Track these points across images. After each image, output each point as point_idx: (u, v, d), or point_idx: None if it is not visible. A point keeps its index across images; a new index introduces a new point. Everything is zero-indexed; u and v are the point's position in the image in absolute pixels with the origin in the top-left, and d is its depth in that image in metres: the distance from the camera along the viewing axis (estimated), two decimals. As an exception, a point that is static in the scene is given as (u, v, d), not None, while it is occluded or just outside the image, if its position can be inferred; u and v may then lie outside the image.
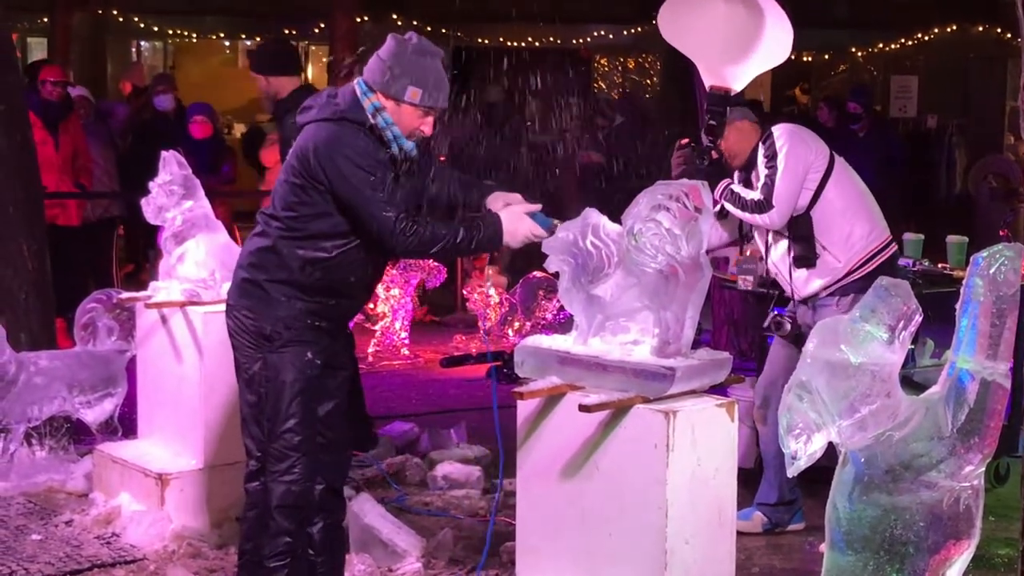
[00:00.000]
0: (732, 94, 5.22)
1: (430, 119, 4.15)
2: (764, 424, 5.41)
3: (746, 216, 5.24)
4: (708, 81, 5.24)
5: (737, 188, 5.24)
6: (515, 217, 4.15)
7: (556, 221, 4.14)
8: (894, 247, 5.31)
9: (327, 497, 4.32)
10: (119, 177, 9.78)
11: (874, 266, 5.17)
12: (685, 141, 5.33)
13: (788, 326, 5.26)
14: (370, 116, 4.08)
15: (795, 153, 5.15)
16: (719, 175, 5.28)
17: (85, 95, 10.04)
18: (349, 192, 4.03)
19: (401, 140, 4.11)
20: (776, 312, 5.33)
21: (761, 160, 5.21)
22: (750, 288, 5.81)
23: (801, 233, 5.19)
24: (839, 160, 5.29)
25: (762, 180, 5.18)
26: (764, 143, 5.22)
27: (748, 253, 5.57)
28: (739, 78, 5.23)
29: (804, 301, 5.28)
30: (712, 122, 5.17)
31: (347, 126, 4.09)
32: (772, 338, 5.50)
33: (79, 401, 5.98)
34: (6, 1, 6.77)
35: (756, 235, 5.43)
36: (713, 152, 5.23)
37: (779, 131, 5.23)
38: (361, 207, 4.03)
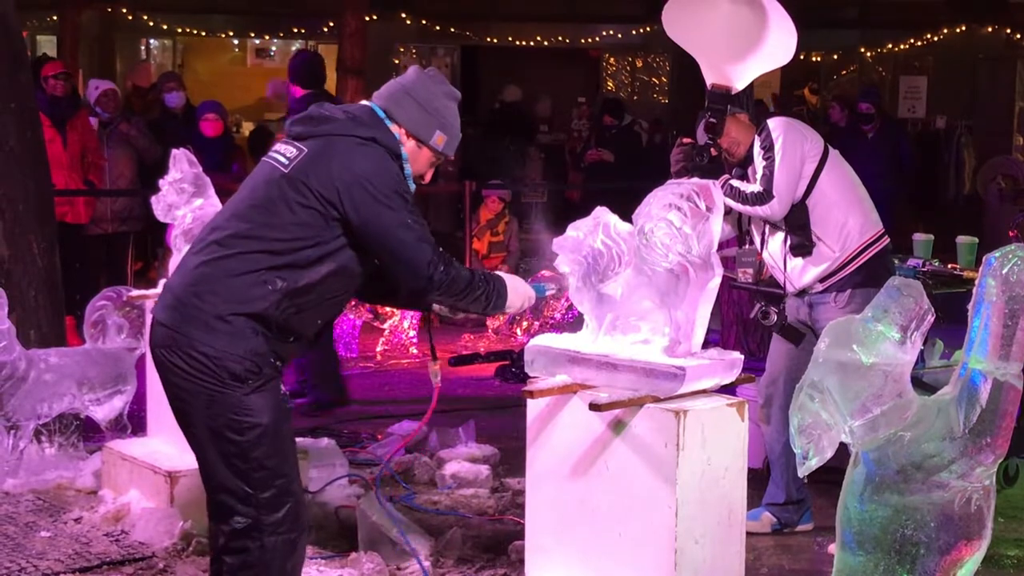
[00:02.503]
0: (733, 92, 5.23)
1: (433, 168, 3.93)
2: (767, 423, 5.42)
3: (747, 209, 5.24)
4: (710, 79, 5.25)
5: (736, 183, 5.25)
6: (515, 280, 3.96)
7: (551, 287, 4.11)
8: (887, 239, 5.31)
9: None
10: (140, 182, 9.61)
11: (868, 257, 5.19)
12: (686, 140, 5.34)
13: (774, 316, 5.26)
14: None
15: (791, 143, 5.17)
16: (718, 173, 5.29)
17: (113, 89, 9.87)
18: (381, 222, 3.62)
19: (410, 181, 3.82)
20: (763, 303, 5.33)
21: (758, 152, 5.22)
22: (750, 280, 5.81)
23: (797, 222, 5.21)
24: (833, 151, 5.31)
25: (760, 172, 5.19)
26: (760, 136, 5.24)
27: (747, 246, 5.57)
28: (741, 77, 5.25)
29: (799, 294, 5.30)
30: (712, 120, 5.18)
31: (379, 150, 3.72)
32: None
33: (89, 398, 5.99)
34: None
35: (751, 226, 5.44)
36: (713, 149, 5.23)
37: (774, 123, 5.26)
38: (392, 240, 3.64)
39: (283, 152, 3.77)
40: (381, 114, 3.81)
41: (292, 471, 3.74)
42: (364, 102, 3.90)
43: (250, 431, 3.63)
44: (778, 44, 5.19)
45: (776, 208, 5.14)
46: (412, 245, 3.67)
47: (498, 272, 3.97)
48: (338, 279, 3.72)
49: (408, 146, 3.81)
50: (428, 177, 3.94)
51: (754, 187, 5.19)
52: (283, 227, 3.64)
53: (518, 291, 3.93)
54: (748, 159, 5.31)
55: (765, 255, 5.39)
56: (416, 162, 3.84)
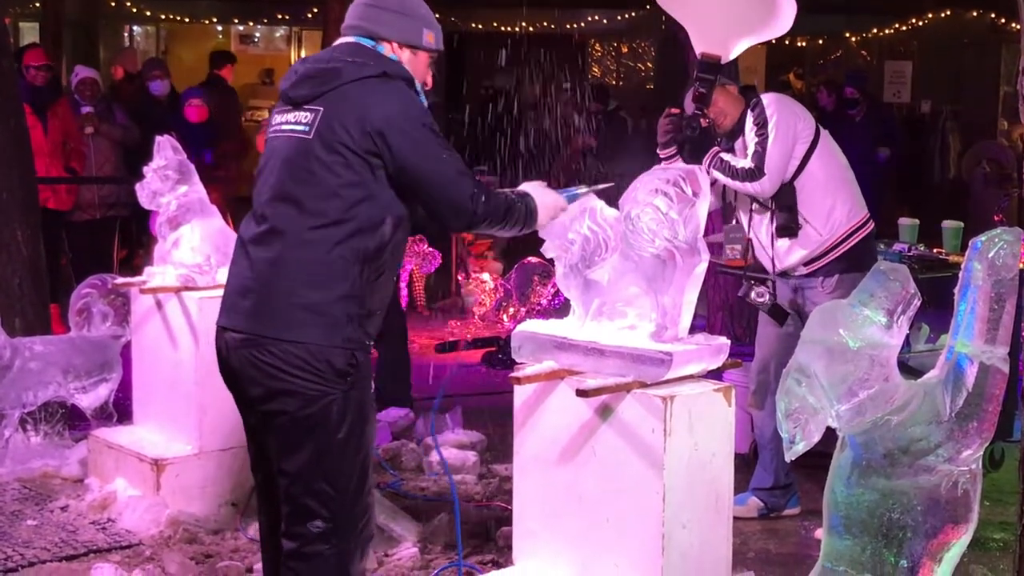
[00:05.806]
0: (723, 63, 5.16)
1: (432, 68, 3.71)
2: (759, 409, 5.42)
3: (736, 184, 5.20)
4: (699, 48, 5.15)
5: (726, 156, 5.21)
6: (543, 193, 3.75)
7: (581, 189, 3.88)
8: (872, 225, 5.31)
9: None
10: (125, 168, 9.55)
11: (854, 243, 5.19)
12: (675, 110, 5.27)
13: (767, 296, 5.24)
14: None
15: (785, 121, 5.13)
16: (708, 144, 5.25)
17: (92, 77, 9.79)
18: (420, 161, 3.45)
19: (422, 95, 3.64)
20: (752, 282, 5.30)
21: (751, 128, 5.17)
22: (738, 256, 5.76)
23: (785, 203, 5.19)
24: (824, 133, 5.28)
25: (752, 148, 5.14)
26: (753, 111, 5.18)
27: (734, 221, 5.51)
28: (733, 46, 5.17)
29: (784, 275, 5.29)
30: (702, 89, 5.09)
31: (395, 83, 3.52)
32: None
33: (74, 386, 5.97)
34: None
35: (738, 206, 5.40)
36: (703, 120, 5.18)
37: (768, 99, 5.21)
38: (433, 177, 3.46)
39: (295, 120, 3.54)
40: (369, 43, 3.61)
41: (371, 469, 3.61)
42: (343, 40, 3.66)
43: (345, 429, 3.45)
44: (772, 13, 5.08)
45: (766, 186, 5.12)
46: (452, 179, 3.49)
47: (526, 187, 3.76)
48: (401, 229, 3.56)
49: (404, 57, 3.62)
50: (431, 81, 3.72)
51: (745, 163, 5.15)
52: (334, 194, 3.43)
53: (547, 205, 3.74)
54: (735, 131, 5.26)
55: (751, 234, 5.37)
56: (417, 70, 3.66)
